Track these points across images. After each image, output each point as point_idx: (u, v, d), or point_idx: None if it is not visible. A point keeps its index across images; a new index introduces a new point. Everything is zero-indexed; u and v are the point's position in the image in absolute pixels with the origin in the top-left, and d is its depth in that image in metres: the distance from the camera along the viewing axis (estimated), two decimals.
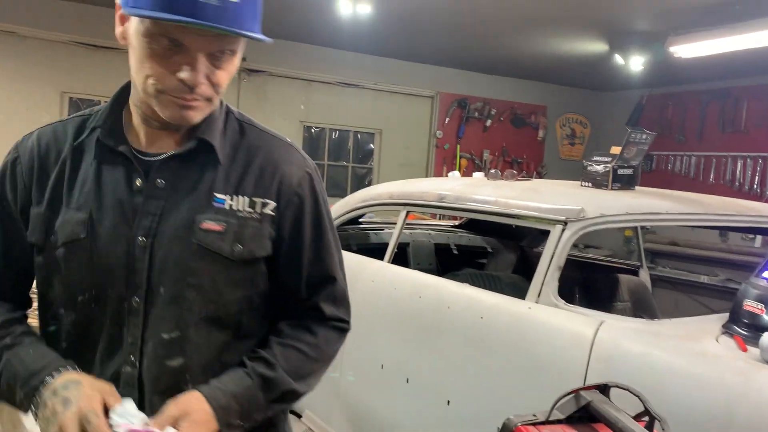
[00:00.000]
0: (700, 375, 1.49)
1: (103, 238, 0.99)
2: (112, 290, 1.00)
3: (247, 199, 1.03)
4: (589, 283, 3.03)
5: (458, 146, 7.57)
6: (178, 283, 1.00)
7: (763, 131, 6.40)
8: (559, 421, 1.18)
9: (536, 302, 1.93)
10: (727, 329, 1.67)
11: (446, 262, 3.34)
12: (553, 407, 1.22)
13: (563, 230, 1.97)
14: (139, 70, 0.93)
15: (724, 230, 5.35)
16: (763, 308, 1.63)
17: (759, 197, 6.35)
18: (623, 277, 3.06)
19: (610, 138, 7.97)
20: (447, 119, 7.49)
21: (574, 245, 2.03)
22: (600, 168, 2.27)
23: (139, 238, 0.99)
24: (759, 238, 5.68)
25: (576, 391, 1.23)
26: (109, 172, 1.01)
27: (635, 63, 5.84)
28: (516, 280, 2.92)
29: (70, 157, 1.03)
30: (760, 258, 2.13)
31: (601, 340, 1.69)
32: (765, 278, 1.68)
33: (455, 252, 3.51)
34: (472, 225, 3.69)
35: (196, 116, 0.96)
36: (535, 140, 8.08)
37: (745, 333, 1.61)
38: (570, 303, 1.92)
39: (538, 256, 2.07)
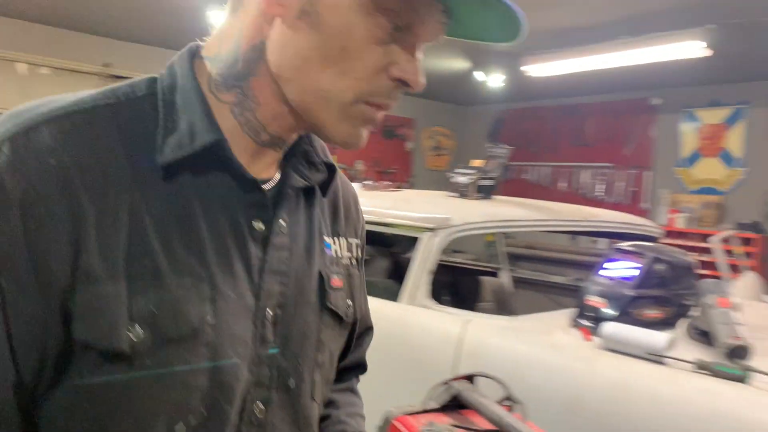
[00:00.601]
0: (553, 363, 1.68)
1: (229, 320, 0.61)
2: (230, 405, 0.62)
3: (345, 241, 0.80)
4: (457, 285, 3.25)
5: (333, 157, 7.70)
6: (311, 367, 0.71)
7: (605, 144, 7.10)
8: (433, 410, 1.30)
9: (409, 304, 2.06)
10: (574, 322, 1.89)
11: None
12: (427, 398, 1.34)
13: (432, 237, 2.12)
14: (327, 65, 0.60)
15: (572, 234, 5.87)
16: (604, 302, 1.87)
17: (602, 204, 7.04)
18: (486, 279, 3.31)
19: (473, 149, 8.49)
20: None
21: (444, 250, 2.19)
22: (464, 179, 2.45)
23: (268, 311, 0.65)
24: (601, 240, 6.30)
25: (447, 382, 1.36)
26: (212, 208, 0.62)
27: (495, 80, 6.27)
28: (389, 285, 3.06)
29: (142, 181, 0.59)
30: (602, 258, 2.42)
31: (468, 336, 1.85)
32: (603, 276, 1.92)
33: None
34: None
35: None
36: (404, 151, 8.40)
37: (589, 324, 1.83)
38: (440, 304, 2.08)
39: (409, 261, 2.21)
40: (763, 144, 5.82)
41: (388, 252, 3.79)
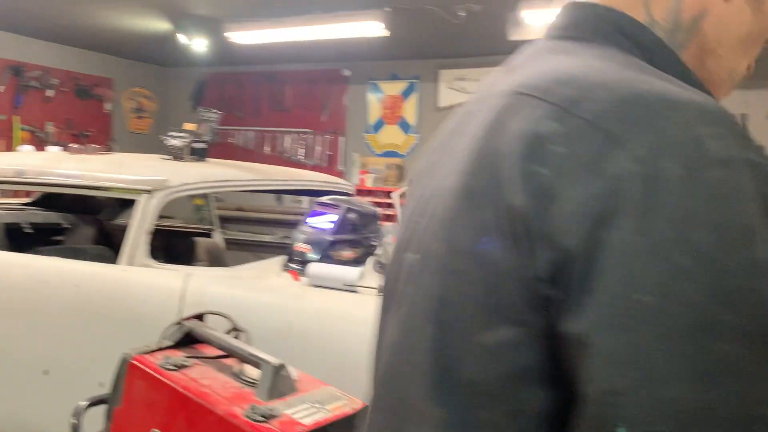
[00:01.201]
0: (269, 301, 1.95)
1: None
2: None
3: None
4: (173, 248, 3.33)
5: (16, 118, 6.85)
6: None
7: (302, 111, 7.62)
8: (168, 347, 1.47)
9: (130, 265, 2.14)
10: (285, 267, 2.19)
11: (18, 241, 3.19)
12: (161, 338, 1.50)
13: (150, 198, 2.21)
14: (748, 47, 0.60)
15: (279, 193, 6.26)
16: (309, 248, 2.20)
17: (303, 166, 7.58)
18: (200, 240, 3.46)
19: (176, 112, 8.34)
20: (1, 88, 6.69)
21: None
22: (178, 142, 2.56)
23: None
24: (305, 199, 6.83)
25: (179, 322, 1.53)
26: None
27: (198, 44, 6.25)
28: (101, 251, 3.01)
29: None
30: (306, 214, 2.76)
31: (190, 288, 2.02)
32: (308, 226, 2.25)
33: (29, 231, 3.36)
34: (45, 202, 3.57)
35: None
36: (102, 113, 7.86)
37: (297, 267, 2.15)
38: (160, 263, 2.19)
39: (118, 227, 2.26)
40: (430, 114, 6.91)
41: (94, 219, 3.67)
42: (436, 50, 6.52)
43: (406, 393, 0.53)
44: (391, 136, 7.15)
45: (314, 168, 7.53)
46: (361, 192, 6.86)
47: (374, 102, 7.23)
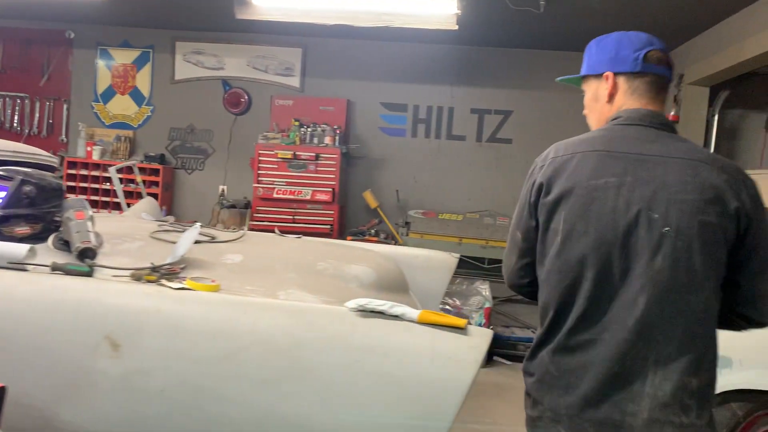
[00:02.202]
0: None
1: None
2: None
3: None
4: None
5: None
6: None
7: (19, 72, 6.82)
8: None
9: None
10: None
11: None
12: None
13: None
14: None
15: None
16: None
17: (20, 135, 6.80)
18: None
19: None
20: None
21: None
22: None
23: None
24: None
25: None
26: None
27: None
28: None
29: None
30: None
31: None
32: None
33: None
34: None
35: None
36: None
37: None
38: None
39: None
40: (165, 86, 6.67)
41: None
42: (171, 20, 6.30)
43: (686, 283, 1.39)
44: (122, 106, 6.75)
45: (32, 138, 6.81)
46: (87, 165, 6.40)
47: (104, 69, 6.75)
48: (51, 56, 6.74)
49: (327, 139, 5.95)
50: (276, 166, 5.89)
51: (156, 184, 6.42)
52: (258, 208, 5.92)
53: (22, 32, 6.73)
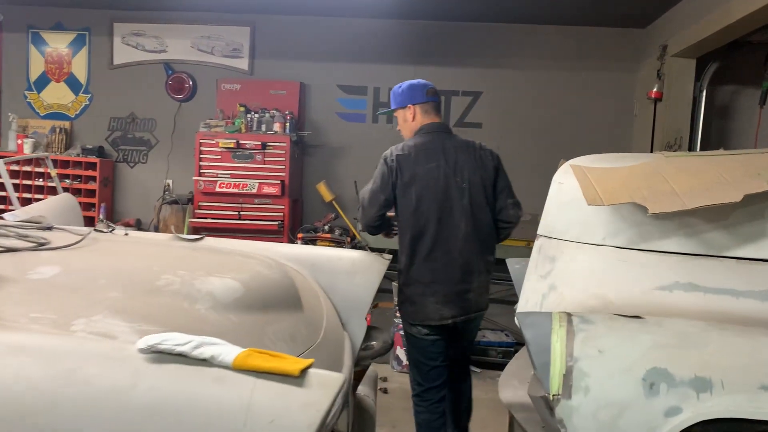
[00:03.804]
0: None
1: None
2: None
3: None
4: None
5: None
6: None
7: None
8: None
9: None
10: None
11: None
12: None
13: None
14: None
15: None
16: None
17: None
18: None
19: None
20: None
21: None
22: None
23: None
24: None
25: None
26: None
27: None
28: None
29: None
30: None
31: None
32: None
33: None
34: None
35: None
36: None
37: None
38: None
39: None
40: (104, 72, 6.09)
41: None
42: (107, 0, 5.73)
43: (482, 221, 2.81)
44: (57, 95, 6.17)
45: None
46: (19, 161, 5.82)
47: (36, 55, 6.16)
48: None
49: (276, 126, 5.38)
50: (219, 157, 5.32)
51: (93, 179, 5.85)
52: (200, 203, 5.35)
53: None
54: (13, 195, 3.65)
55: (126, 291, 1.66)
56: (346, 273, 2.66)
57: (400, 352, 4.91)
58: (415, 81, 2.97)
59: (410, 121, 2.94)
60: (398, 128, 3.03)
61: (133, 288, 1.68)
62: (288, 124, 5.40)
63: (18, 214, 2.58)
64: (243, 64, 5.92)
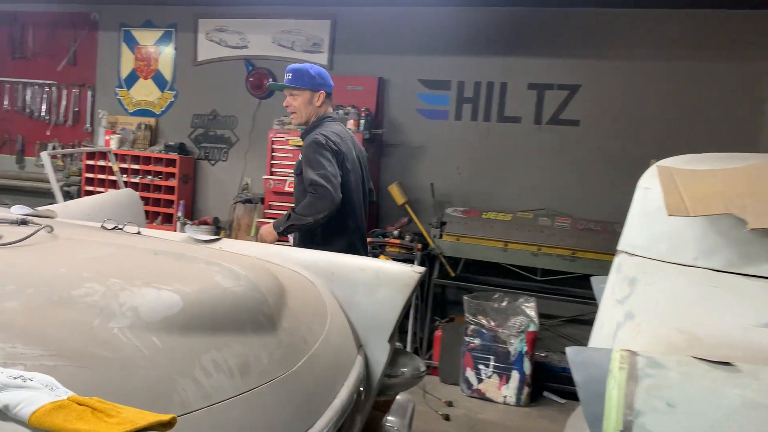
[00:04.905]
0: None
1: None
2: None
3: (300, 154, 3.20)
4: None
5: None
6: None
7: (46, 58, 6.51)
8: None
9: None
10: None
11: None
12: None
13: None
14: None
15: None
16: None
17: (47, 125, 6.50)
18: None
19: None
20: None
21: None
22: None
23: None
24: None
25: None
26: None
27: None
28: None
29: None
30: None
31: None
32: None
33: None
34: None
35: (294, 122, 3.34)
36: None
37: None
38: None
39: None
40: (188, 69, 6.07)
41: None
42: None
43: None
44: (145, 92, 6.23)
45: (58, 127, 6.47)
46: (106, 155, 5.92)
47: (127, 52, 6.27)
48: (77, 40, 6.36)
49: (349, 124, 5.05)
50: (291, 155, 5.08)
51: (173, 176, 5.82)
52: (270, 203, 5.14)
53: (49, 16, 6.40)
54: (56, 187, 3.57)
55: (29, 301, 1.34)
56: (367, 286, 2.25)
57: (471, 374, 4.41)
58: (319, 67, 3.21)
59: (315, 105, 3.15)
60: (288, 107, 3.18)
61: (40, 297, 1.36)
62: (362, 122, 5.06)
63: (23, 207, 2.39)
64: (323, 59, 5.66)
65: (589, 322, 4.96)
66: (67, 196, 5.85)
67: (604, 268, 4.38)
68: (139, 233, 2.42)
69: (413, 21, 5.41)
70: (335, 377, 1.91)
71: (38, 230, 1.80)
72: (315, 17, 5.65)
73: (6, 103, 6.64)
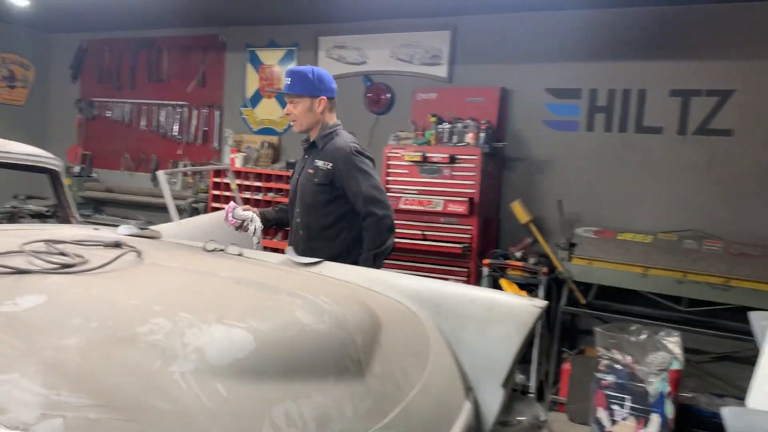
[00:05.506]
0: None
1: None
2: (293, 205, 3.07)
3: (321, 162, 2.93)
4: None
5: None
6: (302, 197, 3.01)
7: (178, 82, 6.81)
8: None
9: None
10: None
11: None
12: None
13: None
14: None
15: None
16: None
17: (180, 143, 6.79)
18: None
19: (56, 82, 7.54)
20: None
21: None
22: None
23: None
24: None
25: None
26: None
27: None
28: None
29: None
30: None
31: None
32: None
33: None
34: None
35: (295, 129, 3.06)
36: None
37: None
38: None
39: None
40: None
41: None
42: (313, 14, 5.70)
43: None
44: (268, 110, 6.33)
45: (189, 146, 6.75)
46: (238, 173, 6.06)
47: (252, 72, 6.41)
48: (205, 62, 6.60)
49: (468, 137, 4.77)
50: (407, 172, 4.88)
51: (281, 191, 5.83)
52: None
53: (181, 40, 6.71)
54: (171, 205, 3.60)
55: (90, 338, 1.20)
56: (478, 321, 1.98)
57: (603, 414, 3.93)
58: (323, 71, 2.97)
59: (317, 112, 2.94)
60: (288, 115, 2.98)
61: (102, 334, 1.22)
62: (482, 135, 4.76)
63: (130, 227, 2.35)
64: (442, 71, 5.43)
65: (744, 361, 4.31)
66: (195, 212, 6.03)
67: (766, 301, 3.73)
68: (240, 254, 2.31)
69: (538, 27, 5.04)
70: (438, 428, 1.65)
71: (122, 255, 1.70)
72: (434, 28, 5.45)
73: (143, 123, 7.04)
